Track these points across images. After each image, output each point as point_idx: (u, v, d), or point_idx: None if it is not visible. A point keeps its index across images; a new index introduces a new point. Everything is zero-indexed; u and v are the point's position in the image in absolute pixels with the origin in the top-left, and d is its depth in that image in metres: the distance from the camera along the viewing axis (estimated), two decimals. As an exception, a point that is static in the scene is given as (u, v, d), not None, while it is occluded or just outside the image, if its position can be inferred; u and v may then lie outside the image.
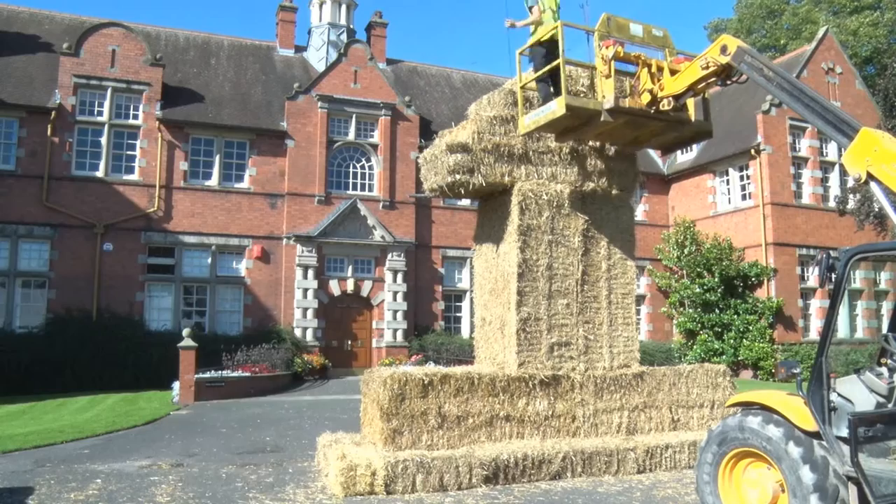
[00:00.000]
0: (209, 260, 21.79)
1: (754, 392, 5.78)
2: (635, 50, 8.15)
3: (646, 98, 7.87)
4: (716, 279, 23.70)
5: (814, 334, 23.72)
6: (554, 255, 9.11)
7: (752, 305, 23.47)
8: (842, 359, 20.74)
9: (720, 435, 5.53)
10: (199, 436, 11.25)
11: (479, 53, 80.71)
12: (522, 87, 8.73)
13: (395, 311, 23.08)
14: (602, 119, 7.89)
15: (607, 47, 7.78)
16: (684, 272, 25.29)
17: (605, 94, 7.84)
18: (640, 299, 25.97)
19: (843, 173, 23.75)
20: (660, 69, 7.90)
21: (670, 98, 7.72)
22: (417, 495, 7.17)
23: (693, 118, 8.15)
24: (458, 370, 8.68)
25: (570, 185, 9.39)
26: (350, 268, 22.97)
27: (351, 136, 23.73)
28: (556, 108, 7.90)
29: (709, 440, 5.64)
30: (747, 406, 5.60)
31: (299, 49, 27.17)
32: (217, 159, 22.32)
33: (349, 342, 23.07)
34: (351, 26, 27.45)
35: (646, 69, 7.92)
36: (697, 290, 24.08)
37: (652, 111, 7.91)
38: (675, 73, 7.73)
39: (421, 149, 21.39)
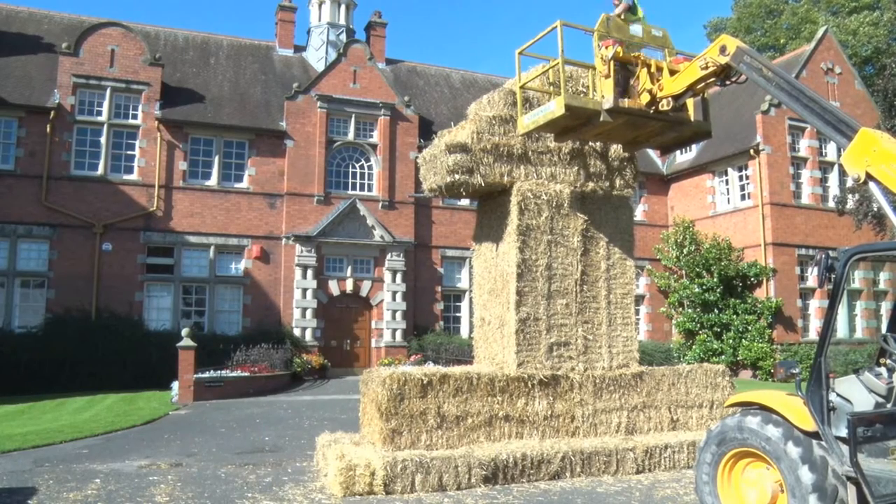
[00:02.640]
0: (208, 260, 21.79)
1: (753, 392, 5.78)
2: (635, 50, 8.13)
3: (645, 98, 7.86)
4: (715, 279, 23.70)
5: (813, 334, 23.73)
6: (553, 255, 9.11)
7: (751, 305, 23.48)
8: (841, 359, 20.74)
9: (719, 435, 5.53)
10: (197, 436, 11.25)
11: (479, 53, 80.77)
12: (522, 87, 8.72)
13: (395, 311, 23.07)
14: (601, 119, 7.88)
15: (607, 47, 7.77)
16: (683, 272, 25.29)
17: (605, 95, 7.83)
18: (639, 299, 25.97)
19: (843, 173, 23.75)
20: (659, 69, 7.88)
21: (669, 98, 7.71)
22: (416, 495, 7.17)
23: (692, 118, 8.13)
24: (458, 370, 8.67)
25: (570, 185, 9.39)
26: (349, 268, 22.97)
27: (350, 136, 23.72)
28: (554, 108, 7.89)
29: (708, 440, 5.63)
30: (746, 406, 5.60)
31: (298, 49, 27.16)
32: (216, 159, 22.31)
33: (348, 342, 23.07)
34: (350, 26, 27.45)
35: (645, 69, 7.91)
36: (696, 290, 24.08)
37: (651, 111, 7.89)
38: (674, 74, 7.72)
39: (420, 149, 21.38)
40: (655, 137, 8.99)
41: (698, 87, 7.61)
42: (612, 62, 7.75)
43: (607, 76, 7.80)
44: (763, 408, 5.36)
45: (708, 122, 8.59)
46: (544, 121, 8.13)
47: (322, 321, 22.46)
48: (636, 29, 8.17)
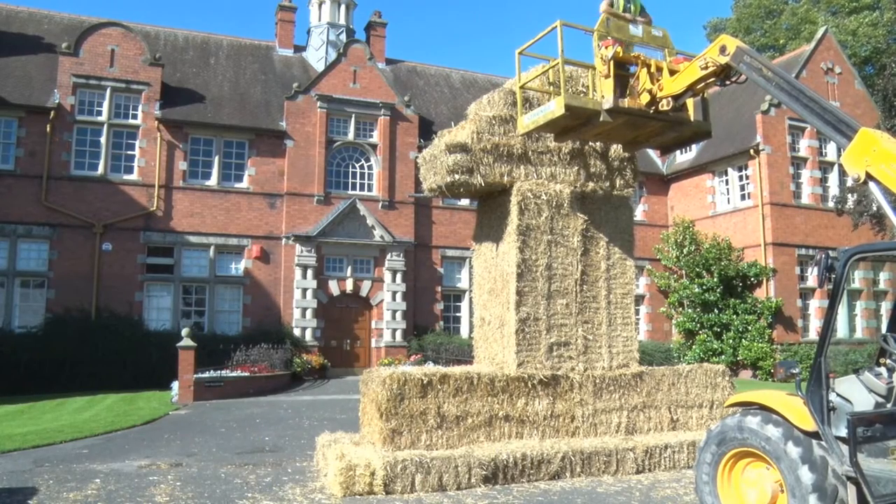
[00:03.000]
0: (208, 260, 21.79)
1: (753, 392, 5.78)
2: (634, 50, 8.13)
3: (645, 98, 7.85)
4: (715, 279, 23.70)
5: (813, 334, 23.74)
6: (553, 255, 9.11)
7: (751, 305, 23.48)
8: (841, 359, 20.75)
9: (719, 435, 5.53)
10: (197, 435, 11.25)
11: (479, 53, 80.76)
12: (522, 87, 8.71)
13: (395, 311, 23.08)
14: (601, 119, 7.87)
15: (606, 47, 7.77)
16: (683, 272, 25.30)
17: (605, 95, 7.83)
18: (639, 299, 25.97)
19: (843, 173, 23.76)
20: (659, 69, 7.87)
21: (669, 98, 7.70)
22: (416, 495, 7.17)
23: (692, 118, 8.12)
24: (458, 370, 8.67)
25: (570, 185, 9.39)
26: (349, 268, 22.97)
27: (350, 135, 23.72)
28: (554, 107, 7.88)
29: (708, 440, 5.63)
30: (746, 406, 5.60)
31: (298, 49, 27.17)
32: (216, 159, 22.31)
33: (348, 342, 23.07)
34: (350, 26, 27.46)
35: (645, 69, 7.90)
36: (696, 290, 24.08)
37: (651, 111, 7.88)
38: (674, 74, 7.72)
39: (420, 149, 21.39)
40: (655, 137, 8.98)
41: (698, 87, 7.61)
42: (611, 62, 7.75)
43: (607, 76, 7.80)
44: (763, 408, 5.36)
45: (708, 122, 8.58)
46: (544, 121, 8.12)
47: (322, 321, 22.46)
48: (636, 29, 8.16)
